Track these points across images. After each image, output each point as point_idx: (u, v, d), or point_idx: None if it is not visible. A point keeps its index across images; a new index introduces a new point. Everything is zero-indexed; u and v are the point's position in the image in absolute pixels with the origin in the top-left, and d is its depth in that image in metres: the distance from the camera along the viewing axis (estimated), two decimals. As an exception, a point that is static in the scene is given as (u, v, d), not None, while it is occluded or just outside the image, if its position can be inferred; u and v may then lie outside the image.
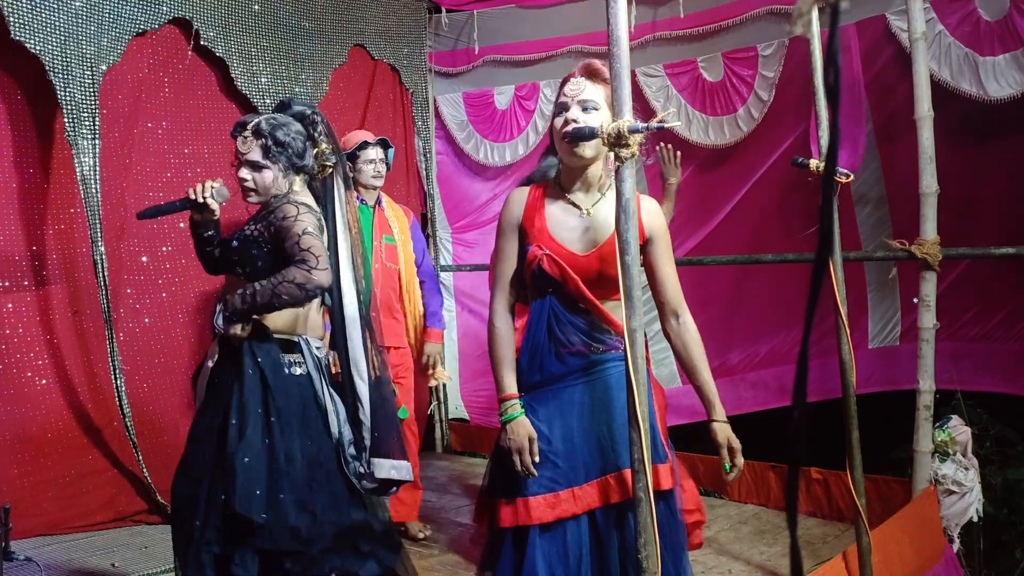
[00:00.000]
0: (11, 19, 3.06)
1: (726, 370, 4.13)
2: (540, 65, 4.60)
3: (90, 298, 3.46)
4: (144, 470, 3.43)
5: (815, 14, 1.50)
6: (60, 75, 3.20)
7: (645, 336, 1.60)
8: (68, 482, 3.42)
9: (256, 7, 3.94)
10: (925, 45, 3.12)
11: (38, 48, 3.14)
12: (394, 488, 2.32)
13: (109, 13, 3.36)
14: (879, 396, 3.59)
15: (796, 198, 3.80)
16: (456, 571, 3.13)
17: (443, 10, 4.86)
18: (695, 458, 3.85)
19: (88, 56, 3.29)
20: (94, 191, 3.28)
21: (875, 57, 3.52)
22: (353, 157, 3.30)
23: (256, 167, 2.19)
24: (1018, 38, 3.09)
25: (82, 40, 3.27)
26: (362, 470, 2.22)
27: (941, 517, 3.09)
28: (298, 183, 2.26)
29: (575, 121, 1.82)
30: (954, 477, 3.09)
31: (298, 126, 2.23)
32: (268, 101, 3.96)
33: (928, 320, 3.15)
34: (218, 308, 2.13)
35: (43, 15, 3.14)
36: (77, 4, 3.25)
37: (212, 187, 2.20)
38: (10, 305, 3.34)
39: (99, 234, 3.29)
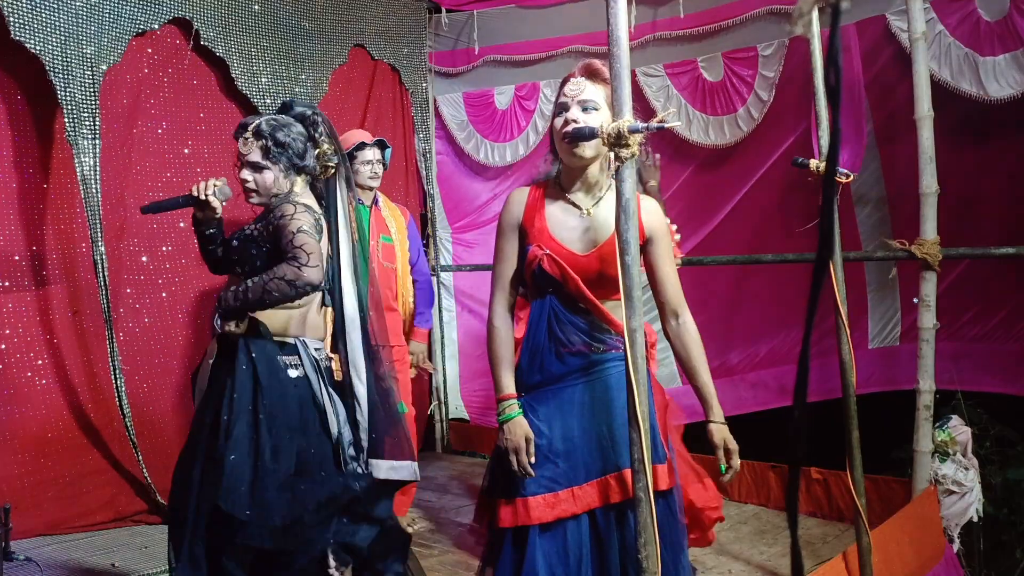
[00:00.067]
0: (11, 19, 3.06)
1: (726, 370, 4.13)
2: (540, 65, 4.60)
3: (90, 298, 3.46)
4: (144, 470, 3.43)
5: (815, 14, 1.50)
6: (60, 75, 3.20)
7: (646, 335, 1.60)
8: (68, 482, 3.42)
9: (256, 7, 3.94)
10: (925, 45, 3.12)
11: (38, 48, 3.14)
12: (397, 487, 2.33)
13: (109, 13, 3.36)
14: (879, 396, 3.59)
15: (796, 198, 3.80)
16: (456, 571, 3.13)
17: (443, 10, 4.86)
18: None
19: (88, 56, 3.29)
20: (94, 191, 3.28)
21: (875, 57, 3.52)
22: (350, 157, 3.30)
23: (257, 168, 2.20)
24: (1018, 38, 3.09)
25: (82, 40, 3.27)
26: (360, 471, 2.22)
27: (941, 517, 3.09)
28: (300, 184, 2.26)
29: (575, 121, 1.82)
30: (954, 477, 3.09)
31: (299, 127, 2.24)
32: (268, 101, 3.96)
33: (928, 320, 3.15)
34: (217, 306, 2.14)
35: (43, 15, 3.14)
36: (77, 4, 3.25)
37: (215, 185, 2.21)
38: (10, 305, 3.34)
39: (99, 234, 3.29)
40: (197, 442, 2.18)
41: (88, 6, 3.29)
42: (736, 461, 1.85)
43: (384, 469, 2.27)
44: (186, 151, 3.82)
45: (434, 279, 4.92)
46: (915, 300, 3.22)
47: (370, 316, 2.35)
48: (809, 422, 0.89)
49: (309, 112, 2.28)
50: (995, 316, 3.50)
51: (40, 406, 3.39)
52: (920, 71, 3.08)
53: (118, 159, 3.54)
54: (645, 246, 1.89)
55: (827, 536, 3.35)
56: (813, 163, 2.58)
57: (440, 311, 5.00)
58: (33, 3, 3.11)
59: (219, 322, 2.12)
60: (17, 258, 3.36)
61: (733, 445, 1.86)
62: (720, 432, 1.86)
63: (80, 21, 3.26)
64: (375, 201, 3.46)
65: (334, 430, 2.19)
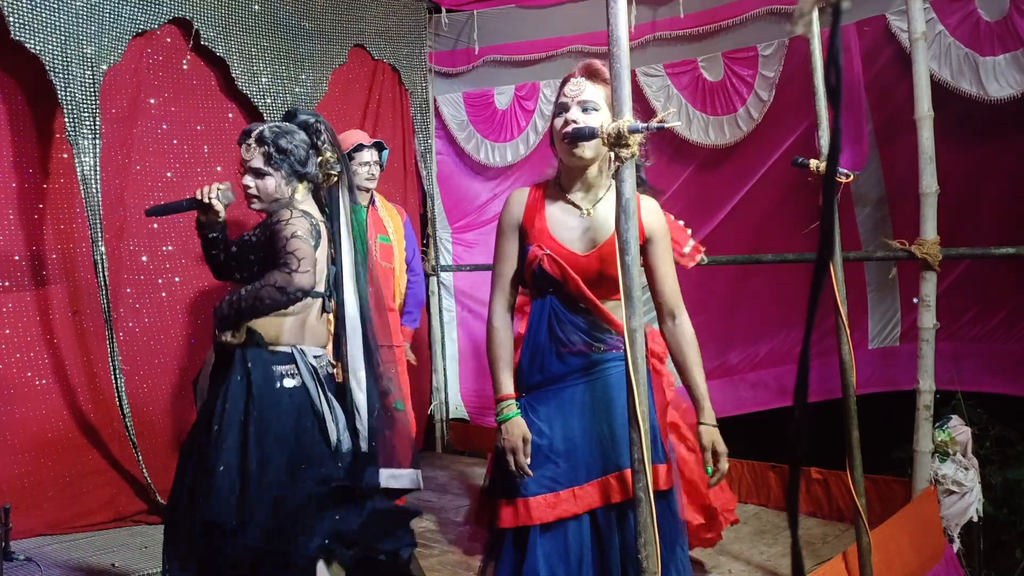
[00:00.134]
0: (11, 19, 3.06)
1: (726, 370, 4.13)
2: (540, 65, 4.60)
3: (90, 298, 3.46)
4: (144, 470, 3.43)
5: (815, 14, 1.50)
6: (60, 75, 3.20)
7: (645, 335, 1.60)
8: (68, 482, 3.42)
9: (256, 7, 3.94)
10: (925, 45, 3.12)
11: (38, 48, 3.14)
12: (397, 496, 2.32)
13: (109, 13, 3.37)
14: (879, 396, 3.59)
15: (796, 198, 3.79)
16: (456, 571, 3.13)
17: (443, 10, 4.86)
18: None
19: (88, 56, 3.29)
20: (94, 191, 3.28)
21: (875, 57, 3.52)
22: (348, 158, 3.31)
23: (259, 174, 2.22)
24: (1018, 38, 3.09)
25: (82, 40, 3.27)
26: (359, 477, 2.23)
27: (941, 517, 3.09)
28: (301, 190, 2.28)
29: (575, 122, 1.82)
30: (954, 477, 3.09)
31: (302, 135, 2.26)
32: (268, 101, 3.96)
33: (928, 320, 3.15)
34: None
35: (43, 15, 3.14)
36: (77, 4, 3.25)
37: (219, 189, 2.23)
38: (10, 305, 3.34)
39: (99, 234, 3.29)
40: (191, 451, 2.21)
41: (88, 6, 3.29)
42: (724, 464, 1.86)
43: (384, 478, 2.27)
44: (186, 151, 3.82)
45: (434, 279, 4.93)
46: (915, 300, 3.22)
47: (371, 318, 2.35)
48: (809, 422, 0.89)
49: (312, 120, 2.30)
50: (995, 316, 3.50)
51: (40, 406, 3.39)
52: (920, 71, 3.08)
53: (118, 159, 3.54)
54: (644, 246, 1.88)
55: (827, 536, 3.35)
56: (813, 163, 2.58)
57: (440, 311, 5.00)
58: (33, 3, 3.11)
59: (217, 332, 2.14)
60: (17, 258, 3.36)
61: (722, 448, 1.86)
62: (709, 434, 1.86)
63: (80, 21, 3.26)
64: (371, 201, 3.48)
65: (334, 438, 2.20)
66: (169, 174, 3.76)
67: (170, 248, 3.77)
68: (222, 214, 2.25)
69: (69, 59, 3.22)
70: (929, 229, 3.10)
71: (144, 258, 3.70)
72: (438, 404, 5.01)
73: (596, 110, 1.83)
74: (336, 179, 2.32)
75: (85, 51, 3.28)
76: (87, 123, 3.27)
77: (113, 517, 3.48)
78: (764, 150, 3.92)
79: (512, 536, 1.89)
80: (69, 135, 3.23)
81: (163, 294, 3.75)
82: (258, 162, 2.21)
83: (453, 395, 5.06)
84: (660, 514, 1.68)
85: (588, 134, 1.73)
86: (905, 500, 3.18)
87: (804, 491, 3.61)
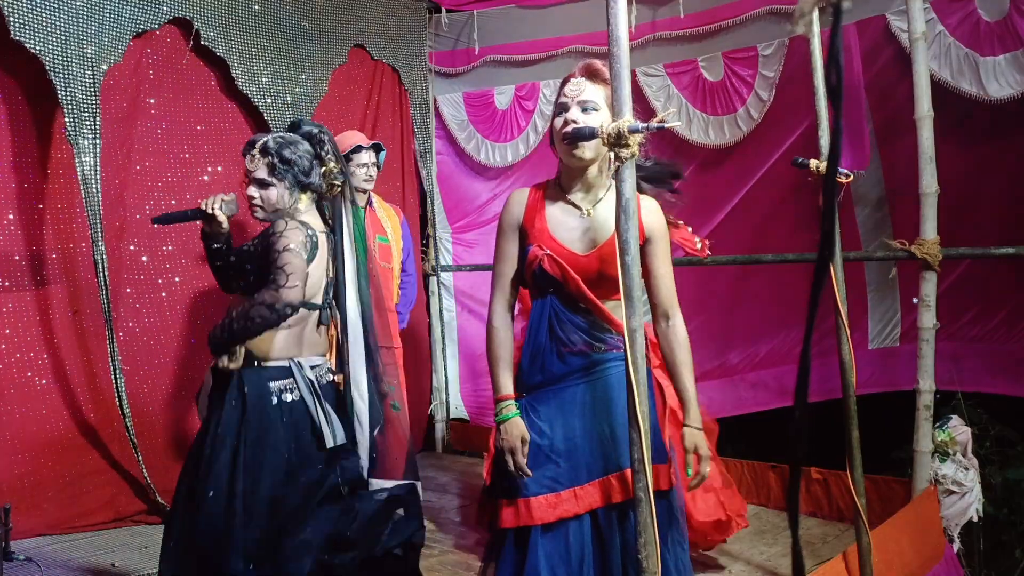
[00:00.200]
0: (11, 19, 3.06)
1: (726, 370, 4.13)
2: (540, 65, 4.60)
3: (90, 298, 3.46)
4: (144, 470, 3.43)
5: (816, 14, 1.50)
6: (60, 75, 3.20)
7: (646, 336, 1.60)
8: (68, 482, 3.42)
9: (256, 7, 3.94)
10: (925, 45, 3.12)
11: (38, 48, 3.14)
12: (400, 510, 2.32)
13: (109, 13, 3.36)
14: (879, 396, 3.59)
15: (796, 198, 3.79)
16: (456, 571, 3.13)
17: (443, 10, 4.86)
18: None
19: (88, 56, 3.29)
20: (94, 191, 3.28)
21: (875, 57, 3.52)
22: (346, 159, 3.32)
23: (263, 184, 2.24)
24: (1018, 38, 3.09)
25: (82, 40, 3.27)
26: (359, 489, 2.24)
27: (941, 517, 3.09)
28: (304, 201, 2.29)
29: (575, 122, 1.82)
30: (954, 477, 3.09)
31: (306, 145, 2.28)
32: (268, 101, 3.96)
33: (928, 320, 3.15)
34: None
35: (43, 15, 3.14)
36: (77, 4, 3.25)
37: (223, 200, 2.25)
38: (10, 305, 3.34)
39: (99, 233, 3.29)
40: (187, 470, 2.24)
41: (88, 6, 3.29)
42: (706, 468, 1.86)
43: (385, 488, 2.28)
44: (186, 151, 3.82)
45: (434, 279, 4.93)
46: (915, 300, 3.22)
47: (373, 322, 2.36)
48: (809, 422, 0.89)
49: (316, 131, 2.32)
50: (995, 316, 3.50)
51: (40, 406, 3.39)
52: (920, 71, 3.08)
53: (118, 159, 3.54)
54: (643, 246, 1.88)
55: (827, 536, 3.35)
56: (813, 163, 2.57)
57: (440, 311, 5.00)
58: (33, 3, 3.11)
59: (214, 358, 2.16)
60: (17, 258, 3.36)
61: (705, 452, 1.86)
62: (693, 436, 1.86)
63: (80, 21, 3.26)
64: (369, 202, 3.49)
65: (329, 443, 2.20)
66: (169, 174, 3.76)
67: (170, 248, 3.77)
68: (225, 225, 2.27)
69: (69, 59, 3.22)
70: (929, 229, 3.10)
71: (144, 258, 3.70)
72: (438, 404, 5.01)
73: (596, 110, 1.83)
74: (339, 189, 2.34)
75: (85, 51, 3.28)
76: (87, 123, 3.27)
77: (113, 517, 3.48)
78: (764, 150, 3.92)
79: (513, 536, 1.89)
80: (69, 135, 3.23)
81: (163, 294, 3.75)
82: (262, 172, 2.22)
83: (453, 395, 5.06)
84: (660, 514, 1.68)
85: (588, 134, 1.73)
86: (905, 500, 3.18)
87: (804, 491, 3.60)
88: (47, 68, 3.16)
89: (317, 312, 2.26)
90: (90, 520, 3.41)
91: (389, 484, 2.30)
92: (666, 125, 1.57)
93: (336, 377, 2.30)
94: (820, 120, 2.55)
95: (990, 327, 3.51)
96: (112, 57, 3.38)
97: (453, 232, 5.08)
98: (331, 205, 2.35)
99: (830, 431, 2.70)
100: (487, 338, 1.96)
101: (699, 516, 2.84)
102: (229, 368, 2.13)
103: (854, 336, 3.03)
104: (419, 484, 2.43)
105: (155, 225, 2.41)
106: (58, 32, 3.19)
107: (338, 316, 2.31)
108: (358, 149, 3.35)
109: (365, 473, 2.27)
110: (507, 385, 1.92)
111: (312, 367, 2.24)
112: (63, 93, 3.20)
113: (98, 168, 3.30)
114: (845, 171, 2.55)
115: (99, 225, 3.29)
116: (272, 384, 2.17)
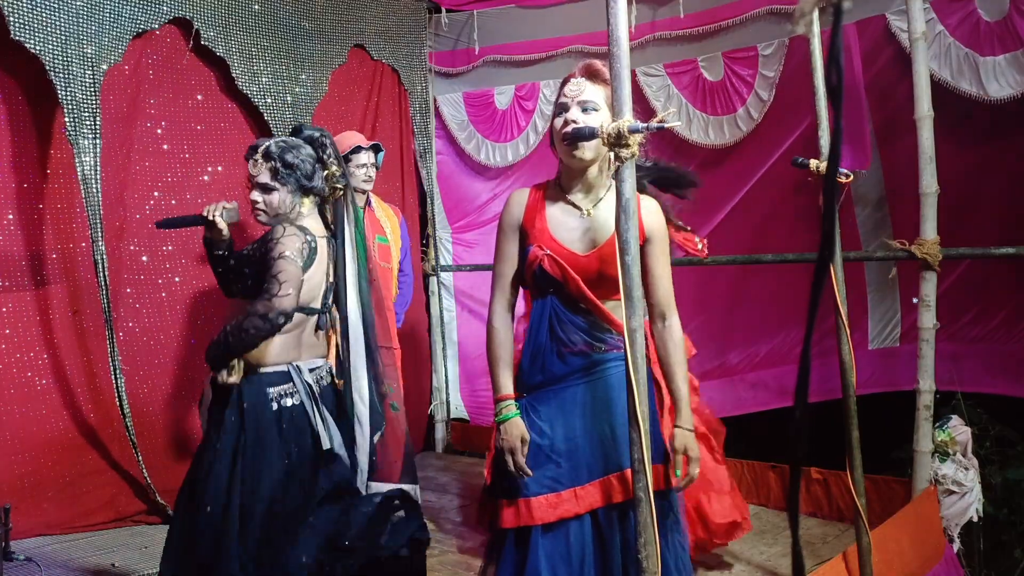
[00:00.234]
0: (11, 19, 3.06)
1: (726, 370, 4.13)
2: (540, 65, 4.60)
3: (90, 297, 3.46)
4: (144, 470, 3.43)
5: (816, 14, 1.50)
6: (60, 75, 3.20)
7: (646, 337, 1.60)
8: (68, 482, 3.42)
9: (256, 7, 3.94)
10: (925, 45, 3.12)
11: (38, 48, 3.14)
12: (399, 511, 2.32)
13: (109, 13, 3.36)
14: (879, 396, 3.59)
15: (796, 198, 3.80)
16: (456, 571, 3.14)
17: (443, 10, 4.86)
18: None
19: (88, 56, 3.29)
20: (94, 191, 3.28)
21: (875, 57, 3.52)
22: (345, 160, 3.33)
23: (266, 189, 2.24)
24: (1018, 38, 3.09)
25: (82, 40, 3.27)
26: (359, 492, 2.25)
27: (941, 517, 3.09)
28: (307, 205, 2.30)
29: (575, 122, 1.82)
30: (954, 477, 3.09)
31: (308, 149, 2.28)
32: (268, 101, 3.96)
33: (928, 320, 3.15)
34: None
35: (43, 15, 3.14)
36: (77, 4, 3.25)
37: (224, 208, 2.26)
38: (10, 305, 3.34)
39: (99, 233, 3.29)
40: (189, 480, 2.24)
41: (88, 6, 3.29)
42: (695, 470, 1.86)
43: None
44: (186, 151, 3.82)
45: (434, 279, 4.93)
46: (915, 300, 3.22)
47: (373, 323, 2.37)
48: (809, 422, 0.89)
49: (318, 135, 2.33)
50: (995, 317, 3.50)
51: (40, 406, 3.39)
52: (920, 71, 3.09)
53: (118, 159, 3.54)
54: (643, 246, 1.88)
55: (827, 536, 3.35)
56: (813, 163, 2.57)
57: (440, 311, 5.00)
58: (33, 3, 3.11)
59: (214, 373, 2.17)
60: (17, 258, 3.36)
61: (695, 454, 1.86)
62: (683, 438, 1.86)
63: (80, 21, 3.26)
64: (368, 202, 3.50)
65: (326, 445, 2.20)
66: (169, 174, 3.76)
67: (170, 248, 3.77)
68: (226, 232, 2.28)
69: (69, 59, 3.22)
70: (929, 229, 3.10)
71: (144, 258, 3.70)
72: (438, 404, 5.01)
73: (596, 110, 1.83)
74: (341, 192, 2.34)
75: (85, 51, 3.28)
76: (87, 123, 3.27)
77: (113, 517, 3.48)
78: (764, 150, 3.92)
79: (513, 536, 1.89)
80: (70, 135, 3.23)
81: (163, 294, 3.75)
82: (265, 177, 2.23)
83: (453, 395, 5.06)
84: (661, 514, 1.68)
85: (588, 134, 1.73)
86: (905, 500, 3.18)
87: (804, 491, 3.60)
88: (47, 68, 3.16)
89: (315, 317, 2.26)
90: (90, 520, 3.41)
91: (387, 487, 2.30)
92: (666, 125, 1.57)
93: (337, 380, 2.30)
94: (820, 120, 2.55)
95: (990, 327, 3.51)
96: (112, 57, 3.38)
97: (453, 232, 5.08)
98: (333, 208, 2.36)
99: (830, 431, 2.70)
100: (487, 338, 1.96)
101: (716, 518, 2.84)
102: (228, 383, 2.12)
103: (854, 336, 3.03)
104: (417, 485, 2.43)
105: (159, 228, 2.41)
106: (58, 32, 3.19)
107: (338, 320, 2.31)
108: (357, 150, 3.36)
109: (363, 476, 2.27)
110: (507, 385, 1.92)
111: (311, 370, 2.24)
112: (63, 93, 3.20)
113: (98, 168, 3.30)
114: (845, 171, 2.56)
115: (99, 225, 3.30)
116: (271, 390, 2.17)
